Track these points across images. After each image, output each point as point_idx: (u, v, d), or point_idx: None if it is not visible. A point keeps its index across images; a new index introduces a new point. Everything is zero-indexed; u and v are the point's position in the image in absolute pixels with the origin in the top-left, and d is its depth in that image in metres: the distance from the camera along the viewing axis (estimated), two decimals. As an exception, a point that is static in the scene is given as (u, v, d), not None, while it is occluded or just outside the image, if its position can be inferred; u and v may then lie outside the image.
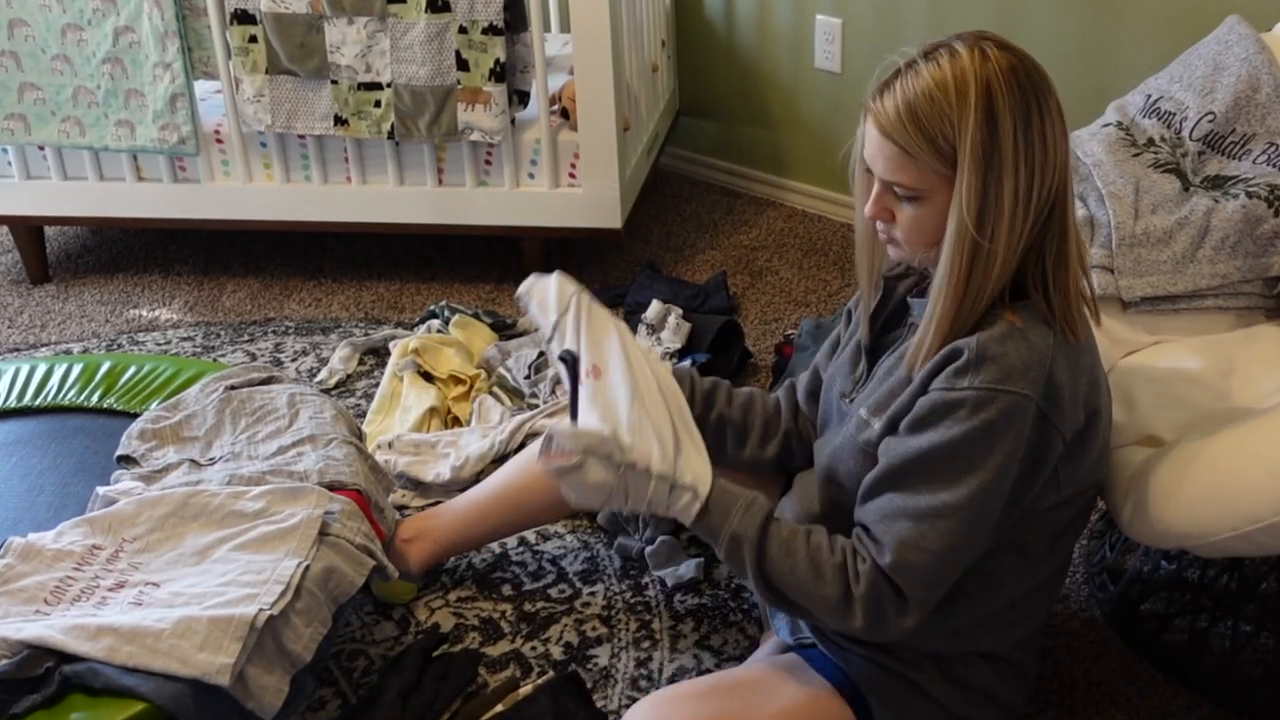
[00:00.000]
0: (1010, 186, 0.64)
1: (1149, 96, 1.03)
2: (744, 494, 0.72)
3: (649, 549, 1.05)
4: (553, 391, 1.25)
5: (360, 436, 0.99)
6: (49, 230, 1.71)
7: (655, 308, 1.38)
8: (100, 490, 0.90)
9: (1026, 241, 0.66)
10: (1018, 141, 0.64)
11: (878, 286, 0.77)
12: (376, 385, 1.34)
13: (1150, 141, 1.00)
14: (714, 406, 0.87)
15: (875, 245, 0.74)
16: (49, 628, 0.75)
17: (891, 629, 0.68)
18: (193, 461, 0.93)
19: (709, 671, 0.93)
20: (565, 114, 1.47)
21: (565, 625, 1.00)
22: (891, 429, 0.70)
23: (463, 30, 1.36)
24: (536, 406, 1.25)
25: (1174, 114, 1.00)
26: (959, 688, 0.75)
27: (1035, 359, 0.66)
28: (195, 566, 0.83)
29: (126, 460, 0.95)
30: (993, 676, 0.76)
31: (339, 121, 1.44)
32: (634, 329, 1.40)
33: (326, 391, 1.12)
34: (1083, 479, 0.72)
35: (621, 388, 0.73)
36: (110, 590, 0.81)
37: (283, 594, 0.79)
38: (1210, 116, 0.98)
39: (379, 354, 1.41)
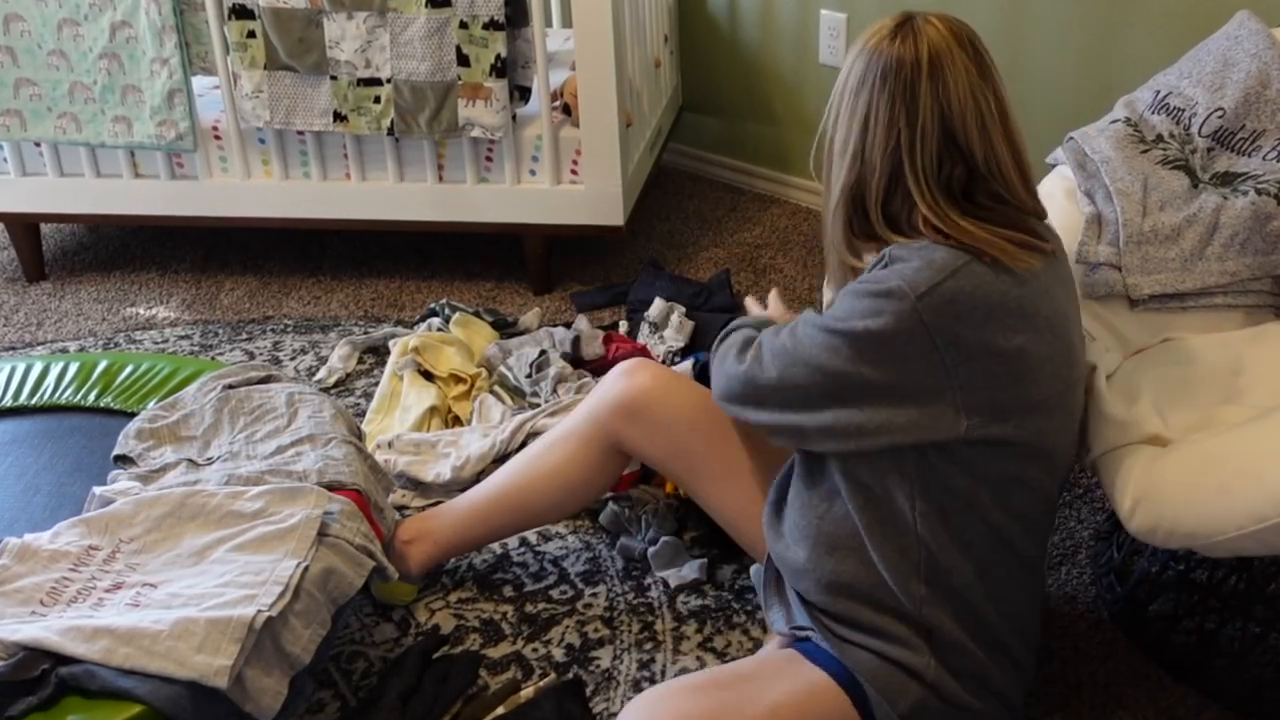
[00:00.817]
0: (860, 124, 0.74)
1: (1158, 92, 1.02)
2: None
3: (651, 550, 1.04)
4: (554, 390, 1.24)
5: (360, 436, 0.98)
6: (45, 228, 1.71)
7: (658, 306, 1.38)
8: (97, 490, 0.90)
9: (855, 189, 0.74)
10: (888, 93, 0.72)
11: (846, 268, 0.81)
12: (376, 384, 1.33)
13: (1159, 138, 0.99)
14: None
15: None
16: (45, 629, 0.75)
17: (760, 380, 0.76)
18: (190, 461, 0.92)
19: (712, 673, 0.93)
20: (567, 110, 1.46)
21: (567, 627, 0.99)
22: None
23: (463, 25, 1.36)
24: (537, 406, 1.24)
25: (1183, 110, 0.99)
26: (956, 675, 0.75)
27: (933, 264, 0.70)
28: (193, 567, 0.82)
29: (123, 460, 0.94)
30: (989, 664, 0.76)
31: (338, 118, 1.43)
32: (636, 327, 1.39)
33: (326, 390, 1.11)
34: (994, 417, 0.71)
35: None
36: (107, 591, 0.80)
37: (281, 595, 0.79)
38: (1220, 112, 0.97)
39: (379, 352, 1.41)
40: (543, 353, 1.28)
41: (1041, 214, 0.76)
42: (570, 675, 0.92)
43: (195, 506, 0.86)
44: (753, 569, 1.00)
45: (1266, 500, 0.72)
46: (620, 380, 0.94)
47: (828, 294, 0.82)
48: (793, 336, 0.75)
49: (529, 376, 1.28)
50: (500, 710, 0.88)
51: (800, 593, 0.79)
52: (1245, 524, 0.73)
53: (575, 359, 1.31)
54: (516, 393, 1.27)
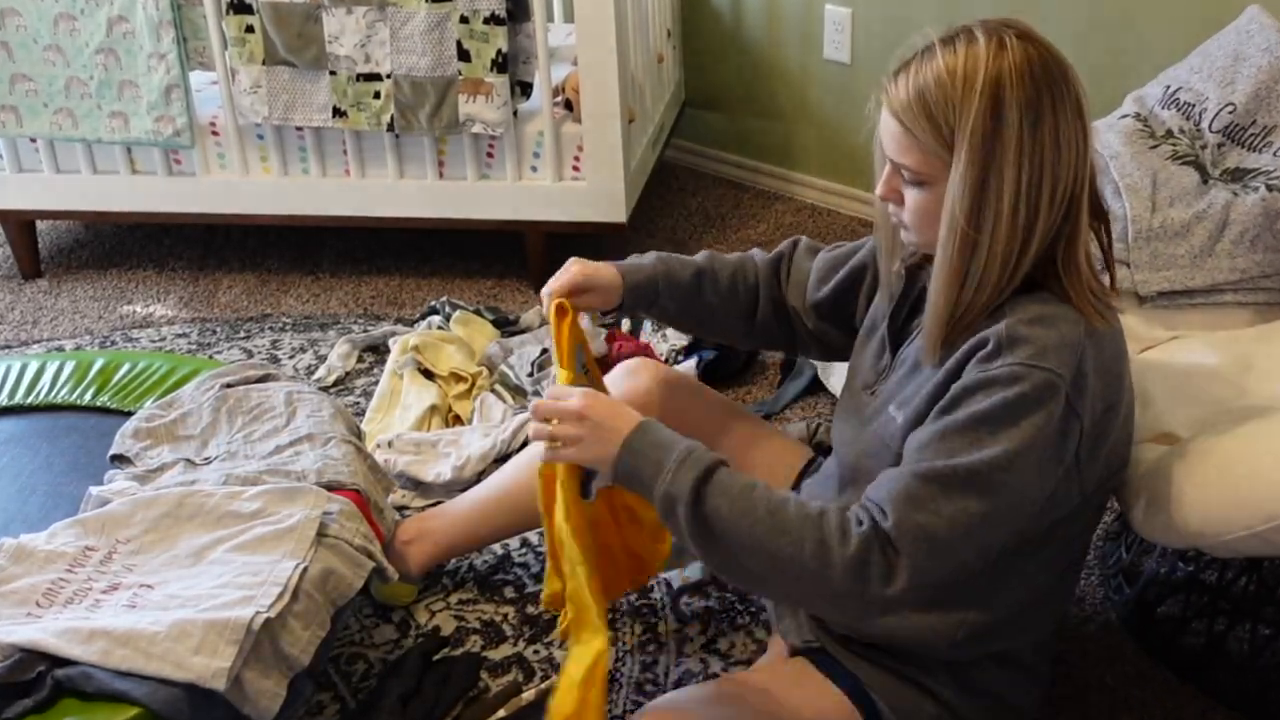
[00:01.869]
0: (1011, 181, 0.63)
1: (1168, 87, 1.01)
2: (679, 443, 0.65)
3: None
4: None
5: (359, 435, 0.97)
6: (41, 225, 1.69)
7: None
8: (94, 490, 0.89)
9: (1039, 239, 0.64)
10: (1023, 136, 0.62)
11: (900, 275, 0.75)
12: (376, 383, 1.32)
13: (1169, 133, 0.98)
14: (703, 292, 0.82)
15: (894, 229, 0.73)
16: (41, 631, 0.74)
17: (871, 597, 0.60)
18: (188, 461, 0.91)
19: (716, 676, 0.92)
20: (569, 106, 1.45)
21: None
22: (916, 422, 0.67)
23: (464, 20, 1.35)
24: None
25: (1193, 105, 0.98)
26: (971, 693, 0.74)
27: (1067, 342, 0.64)
28: (191, 568, 0.81)
29: (120, 459, 0.94)
30: (1005, 681, 0.75)
31: (337, 113, 1.42)
32: (639, 326, 1.38)
33: (325, 389, 1.11)
34: (1098, 476, 0.70)
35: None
36: (104, 592, 0.80)
37: (280, 596, 0.78)
38: (1230, 108, 0.96)
39: (378, 351, 1.40)
40: (544, 351, 1.28)
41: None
42: None
43: (193, 507, 0.85)
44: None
45: (1275, 500, 0.72)
46: (622, 381, 0.93)
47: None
48: (944, 469, 0.60)
49: (530, 375, 1.27)
50: (502, 713, 0.88)
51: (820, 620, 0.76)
52: (1254, 523, 0.72)
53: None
54: (518, 391, 1.26)
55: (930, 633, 0.70)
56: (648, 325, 1.36)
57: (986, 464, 0.62)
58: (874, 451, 0.72)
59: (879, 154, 0.70)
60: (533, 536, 1.09)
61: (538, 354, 1.28)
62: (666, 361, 1.30)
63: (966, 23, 0.66)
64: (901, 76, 0.65)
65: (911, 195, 0.67)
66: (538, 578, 1.04)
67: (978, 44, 0.63)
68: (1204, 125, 0.97)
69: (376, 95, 1.40)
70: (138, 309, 1.53)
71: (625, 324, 1.41)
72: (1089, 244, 0.67)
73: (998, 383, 0.63)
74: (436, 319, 1.39)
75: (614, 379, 0.95)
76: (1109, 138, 0.98)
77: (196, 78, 1.49)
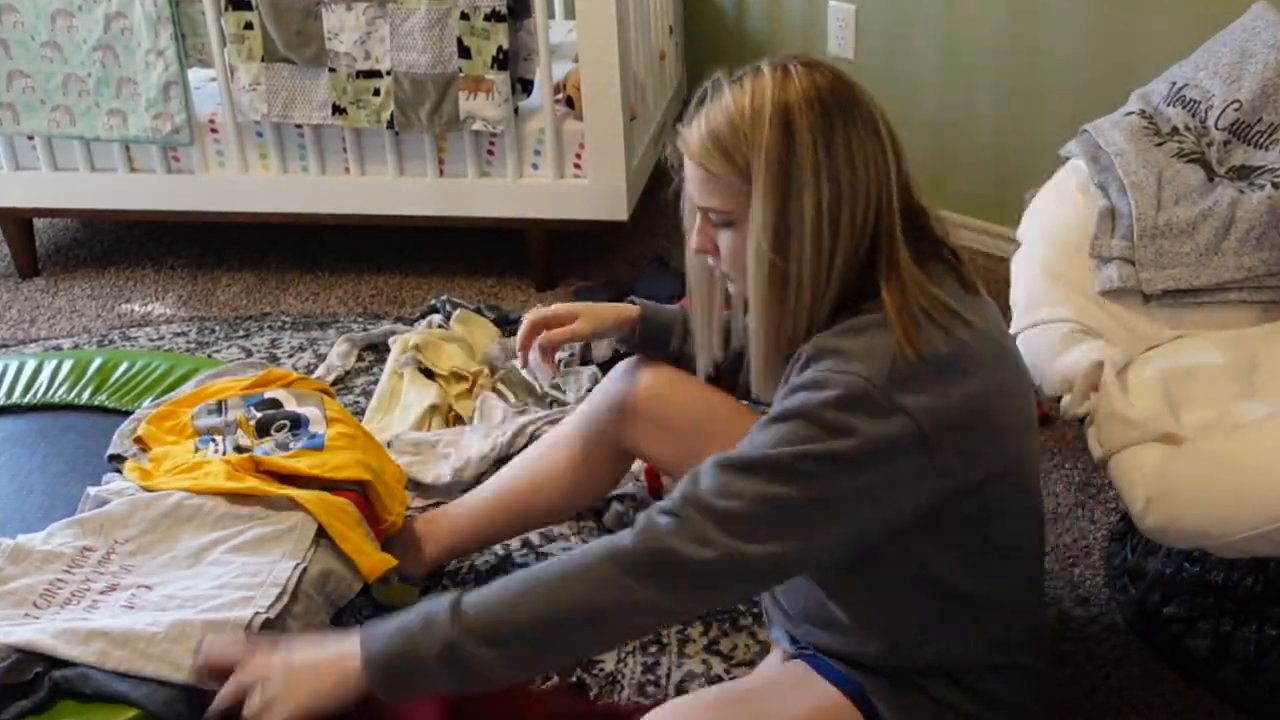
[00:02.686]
0: (811, 204, 0.62)
1: (1174, 84, 1.01)
2: (407, 613, 0.60)
3: None
4: (590, 390, 1.21)
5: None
6: (38, 223, 1.68)
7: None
8: (91, 490, 0.88)
9: (843, 259, 0.63)
10: (818, 159, 0.62)
11: (724, 336, 0.74)
12: (376, 382, 1.31)
13: (1174, 130, 0.98)
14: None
15: (711, 287, 0.72)
16: (39, 631, 0.74)
17: (687, 563, 0.59)
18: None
19: (718, 678, 0.91)
20: (570, 103, 1.45)
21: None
22: None
23: (464, 16, 1.34)
24: (559, 403, 1.22)
25: (1199, 102, 0.98)
26: (973, 696, 0.73)
27: (877, 349, 0.61)
28: (189, 569, 0.81)
29: (118, 459, 0.93)
30: (1004, 684, 0.74)
31: (337, 110, 1.41)
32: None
33: (324, 390, 1.09)
34: (978, 467, 0.64)
35: None
36: (102, 593, 0.79)
37: (279, 597, 0.77)
38: (1236, 105, 0.96)
39: (378, 350, 1.39)
40: (572, 354, 1.26)
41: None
42: (573, 679, 0.90)
43: (192, 508, 0.84)
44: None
45: (1278, 499, 0.72)
46: (625, 377, 0.93)
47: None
48: (737, 455, 0.60)
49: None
50: (503, 714, 0.87)
51: (802, 637, 0.75)
52: (1259, 523, 0.72)
53: (584, 360, 1.30)
54: (523, 387, 1.25)
55: (853, 642, 0.70)
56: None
57: (789, 454, 0.60)
58: None
59: (688, 208, 0.69)
60: (534, 537, 1.08)
61: (564, 355, 1.28)
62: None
63: (751, 64, 0.66)
64: (694, 121, 0.65)
65: (724, 239, 0.66)
66: (539, 578, 1.04)
67: (763, 77, 0.64)
68: (1210, 122, 0.97)
69: (376, 92, 1.39)
70: (136, 307, 1.52)
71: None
72: (909, 260, 0.64)
73: (804, 388, 0.62)
74: (437, 318, 1.39)
75: (613, 378, 0.94)
76: (1114, 135, 0.98)
77: (195, 75, 1.48)
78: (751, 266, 0.64)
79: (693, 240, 0.68)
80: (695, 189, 0.66)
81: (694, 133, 0.65)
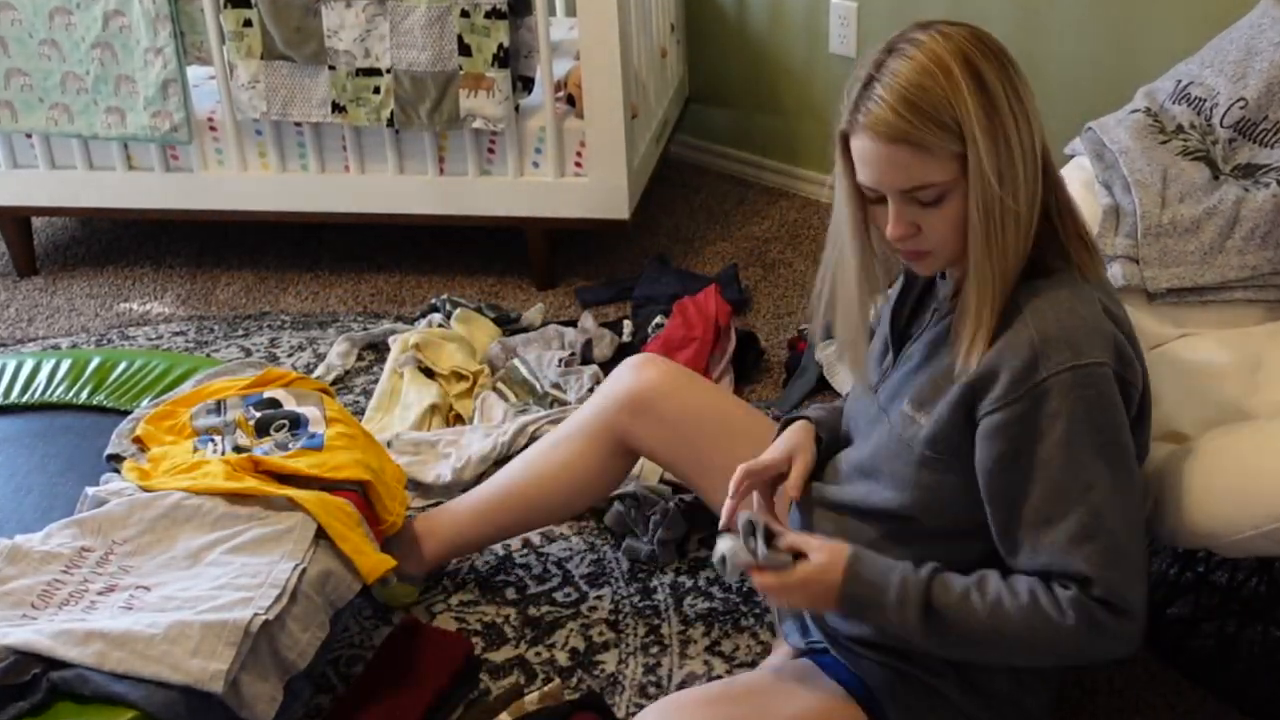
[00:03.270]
0: (1017, 141, 0.64)
1: (1179, 82, 1.00)
2: (892, 573, 0.67)
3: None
4: (591, 390, 1.21)
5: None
6: (36, 221, 1.68)
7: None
8: (90, 491, 0.88)
9: (1041, 196, 0.66)
10: (1009, 98, 0.64)
11: (899, 278, 0.75)
12: (376, 381, 1.31)
13: (1179, 128, 0.97)
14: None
15: (874, 284, 0.72)
16: (36, 632, 0.73)
17: (1120, 640, 0.65)
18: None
19: (719, 678, 0.91)
20: (571, 101, 1.44)
21: (571, 630, 0.97)
22: (943, 427, 0.67)
23: (465, 14, 1.33)
24: (560, 402, 1.21)
25: (1204, 100, 0.97)
26: (978, 694, 0.73)
27: (1094, 325, 0.65)
28: (188, 570, 0.81)
29: (116, 459, 0.92)
30: (1013, 683, 0.74)
31: (337, 109, 1.41)
32: (647, 324, 1.37)
33: (324, 390, 1.09)
34: (1143, 448, 0.70)
35: None
36: (100, 594, 0.79)
37: (278, 598, 0.77)
38: (1242, 103, 0.95)
39: (378, 349, 1.38)
40: (573, 353, 1.26)
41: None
42: (584, 688, 0.90)
43: (191, 508, 0.83)
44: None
45: None
46: (628, 375, 0.92)
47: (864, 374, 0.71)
48: (1091, 516, 0.62)
49: (559, 369, 1.24)
50: (504, 716, 0.86)
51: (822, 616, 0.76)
52: (1262, 523, 0.72)
53: (585, 360, 1.29)
54: (524, 386, 1.25)
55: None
56: (659, 318, 1.34)
57: (1107, 483, 0.63)
58: (893, 451, 0.71)
59: (854, 214, 0.68)
60: (534, 537, 1.08)
61: (565, 354, 1.28)
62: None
63: (889, 40, 0.66)
64: (873, 105, 0.64)
65: (934, 216, 0.65)
66: (540, 579, 1.03)
67: (924, 43, 0.64)
68: (1215, 120, 0.96)
69: (376, 90, 1.38)
70: (134, 307, 1.51)
71: (627, 325, 1.38)
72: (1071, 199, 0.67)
73: (1048, 398, 0.63)
74: (437, 317, 1.38)
75: (616, 376, 0.94)
76: (1119, 133, 0.97)
77: (194, 73, 1.48)
78: (979, 217, 0.64)
79: (893, 229, 0.66)
80: (897, 173, 0.64)
81: (883, 114, 0.63)
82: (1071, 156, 1.03)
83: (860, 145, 0.65)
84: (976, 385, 0.65)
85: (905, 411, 0.70)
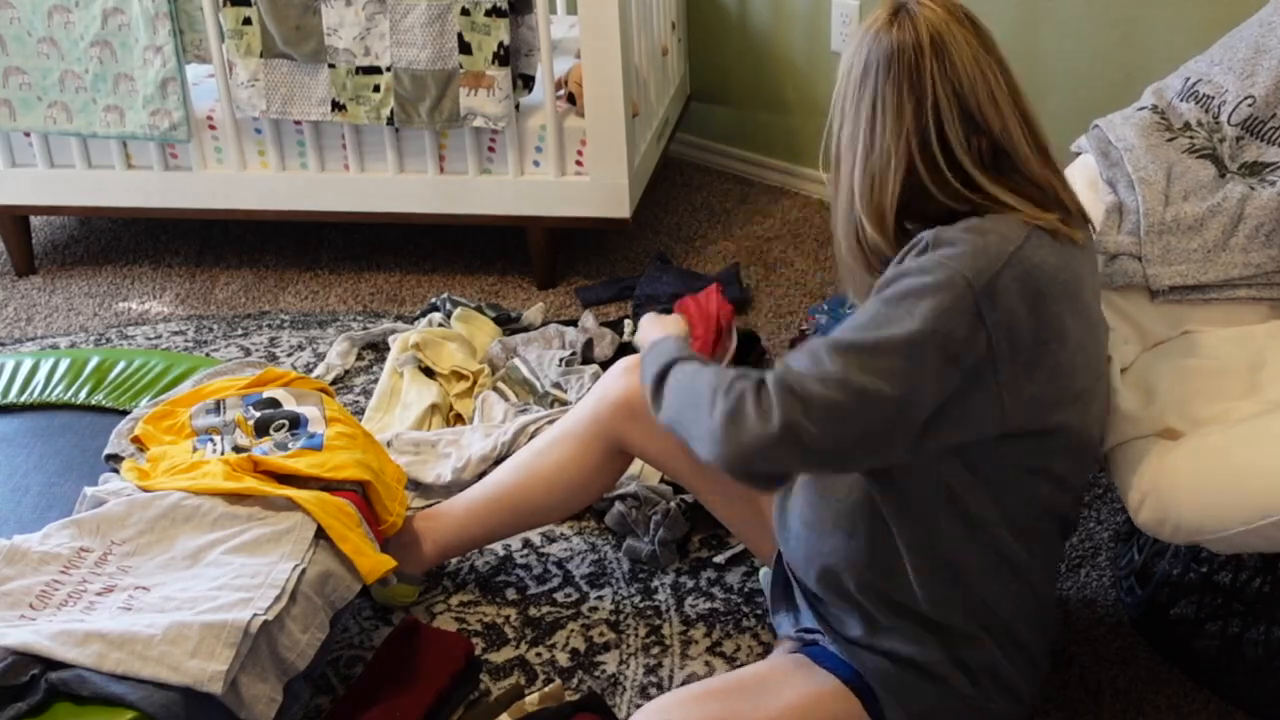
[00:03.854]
0: (854, 123, 0.71)
1: (1187, 79, 0.99)
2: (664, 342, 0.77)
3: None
4: (589, 388, 1.21)
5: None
6: (35, 220, 1.68)
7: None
8: (88, 491, 0.87)
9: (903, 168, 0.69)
10: (847, 92, 0.71)
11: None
12: (375, 381, 1.31)
13: (1186, 126, 0.96)
14: None
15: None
16: (35, 633, 0.73)
17: (744, 432, 0.65)
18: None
19: (722, 678, 0.91)
20: (572, 99, 1.44)
21: (572, 631, 0.97)
22: None
23: (465, 12, 1.33)
24: (560, 402, 1.21)
25: (1212, 98, 0.97)
26: (967, 670, 0.73)
27: (988, 252, 0.66)
28: (187, 570, 0.80)
29: (115, 459, 0.92)
30: (1000, 658, 0.74)
31: (336, 107, 1.40)
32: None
33: (324, 389, 1.08)
34: (1036, 411, 0.67)
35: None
36: (98, 594, 0.78)
37: (278, 599, 0.77)
38: (1250, 100, 0.95)
39: (378, 349, 1.38)
40: (574, 353, 1.26)
41: (1060, 190, 0.72)
42: (585, 689, 0.90)
43: (190, 509, 0.83)
44: (761, 572, 0.99)
45: (1272, 495, 0.71)
46: (622, 378, 0.92)
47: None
48: (816, 364, 0.64)
49: (560, 369, 1.24)
50: (504, 717, 0.86)
51: (805, 583, 0.76)
52: (1251, 519, 0.72)
53: (586, 360, 1.29)
54: (525, 386, 1.24)
55: (909, 563, 0.71)
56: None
57: (876, 339, 0.65)
58: None
59: None
60: (534, 537, 1.08)
61: (566, 354, 1.27)
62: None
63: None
64: None
65: None
66: (540, 579, 1.03)
67: (876, 12, 0.71)
68: (1223, 118, 0.96)
69: (376, 88, 1.38)
70: (133, 306, 1.51)
71: (628, 325, 1.38)
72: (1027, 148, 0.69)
73: (906, 275, 0.67)
74: (437, 316, 1.38)
75: (612, 375, 0.94)
76: (1124, 130, 0.96)
77: (193, 71, 1.47)
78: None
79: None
80: None
81: None
82: (1078, 154, 1.02)
83: None
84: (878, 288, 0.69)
85: None
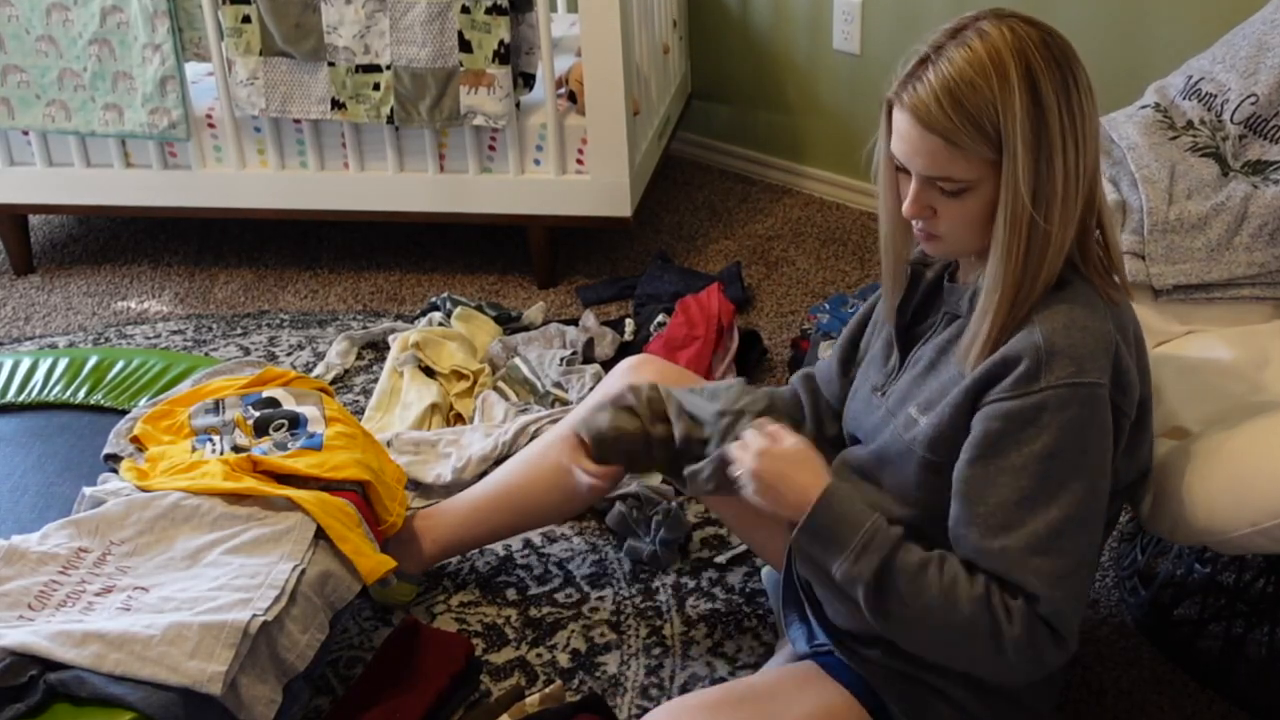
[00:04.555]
0: (1060, 163, 0.63)
1: (1190, 77, 0.99)
2: (865, 516, 0.67)
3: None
4: (593, 389, 1.20)
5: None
6: (33, 219, 1.67)
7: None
8: (87, 491, 0.87)
9: (1078, 218, 0.65)
10: (1062, 116, 0.63)
11: (903, 277, 0.74)
12: (375, 381, 1.30)
13: (1189, 124, 0.96)
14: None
15: (902, 243, 0.72)
16: (33, 634, 0.73)
17: (1048, 664, 0.65)
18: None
19: (722, 680, 0.90)
20: (572, 97, 1.43)
21: (572, 631, 0.97)
22: (943, 427, 0.67)
23: (465, 10, 1.32)
24: (561, 401, 1.21)
25: (1215, 96, 0.96)
26: (983, 694, 0.72)
27: (1101, 346, 0.65)
28: (186, 570, 0.80)
29: (114, 459, 0.91)
30: (1020, 686, 0.73)
31: (336, 105, 1.40)
32: (648, 321, 1.36)
33: (323, 389, 1.08)
34: (1131, 469, 0.70)
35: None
36: (97, 595, 0.78)
37: (277, 599, 0.76)
38: (1253, 99, 0.94)
39: (378, 348, 1.38)
40: (575, 352, 1.25)
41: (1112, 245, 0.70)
42: (586, 690, 0.89)
43: (189, 508, 0.83)
44: (764, 571, 0.98)
45: (1279, 496, 0.71)
46: (623, 379, 0.92)
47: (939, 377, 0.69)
48: (1049, 532, 0.62)
49: (561, 368, 1.24)
50: (505, 718, 0.86)
51: (829, 617, 0.75)
52: (1259, 520, 0.72)
53: (587, 359, 1.29)
54: (526, 386, 1.24)
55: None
56: (660, 316, 1.33)
57: (1081, 502, 0.64)
58: (896, 452, 0.71)
59: (885, 172, 0.69)
60: (535, 537, 1.07)
61: (567, 353, 1.27)
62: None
63: (962, 20, 0.65)
64: (920, 86, 0.63)
65: (952, 206, 0.65)
66: (541, 579, 1.03)
67: (990, 36, 0.62)
68: (1225, 116, 0.95)
69: (376, 87, 1.37)
70: (132, 305, 1.51)
71: (629, 324, 1.38)
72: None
73: (1045, 409, 0.63)
74: (437, 315, 1.37)
75: (614, 378, 0.93)
76: (1127, 129, 0.96)
77: (192, 69, 1.47)
78: (1005, 229, 0.63)
79: (909, 207, 0.66)
80: (925, 160, 0.64)
81: (925, 99, 0.62)
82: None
83: (899, 120, 0.65)
84: (977, 387, 0.65)
85: (910, 414, 0.70)
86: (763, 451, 0.69)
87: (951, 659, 0.68)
